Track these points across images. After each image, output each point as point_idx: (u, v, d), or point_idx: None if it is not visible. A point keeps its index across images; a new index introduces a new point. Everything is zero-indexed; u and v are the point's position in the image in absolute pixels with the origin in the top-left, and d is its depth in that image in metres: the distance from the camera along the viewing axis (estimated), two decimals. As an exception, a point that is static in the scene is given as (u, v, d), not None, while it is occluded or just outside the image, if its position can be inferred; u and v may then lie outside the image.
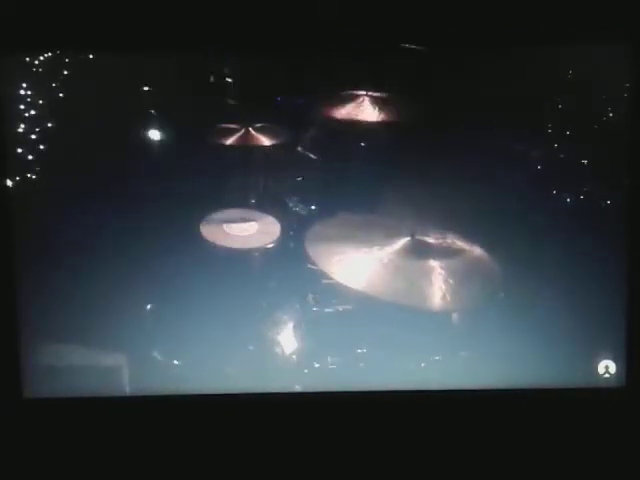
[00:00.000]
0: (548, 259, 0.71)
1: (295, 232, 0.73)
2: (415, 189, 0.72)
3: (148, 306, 0.72)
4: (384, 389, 0.72)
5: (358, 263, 0.72)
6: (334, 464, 0.71)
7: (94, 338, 0.71)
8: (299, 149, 0.72)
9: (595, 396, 0.72)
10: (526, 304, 0.72)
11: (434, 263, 0.72)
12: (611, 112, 0.70)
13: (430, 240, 0.72)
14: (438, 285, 0.71)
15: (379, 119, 0.71)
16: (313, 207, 0.73)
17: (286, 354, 0.72)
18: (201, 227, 0.71)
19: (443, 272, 0.71)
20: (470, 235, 0.72)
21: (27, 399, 0.71)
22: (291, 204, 0.73)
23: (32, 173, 0.70)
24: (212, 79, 0.70)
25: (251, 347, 0.72)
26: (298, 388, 0.72)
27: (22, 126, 0.69)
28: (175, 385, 0.72)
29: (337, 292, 0.72)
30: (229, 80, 0.70)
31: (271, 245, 0.73)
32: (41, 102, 0.69)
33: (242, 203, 0.73)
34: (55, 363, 0.71)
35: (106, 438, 0.71)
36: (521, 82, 0.70)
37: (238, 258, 0.72)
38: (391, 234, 0.72)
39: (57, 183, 0.70)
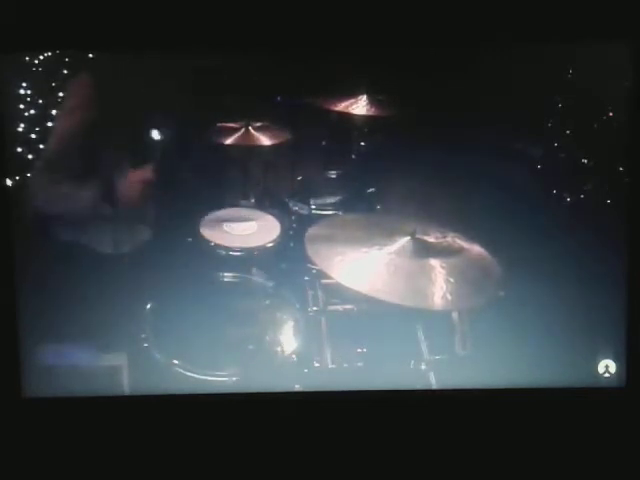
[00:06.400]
0: (548, 258, 0.71)
1: (295, 232, 0.73)
2: (415, 188, 0.72)
3: (148, 306, 0.72)
4: (384, 389, 0.72)
5: (358, 263, 0.72)
6: (334, 464, 0.71)
7: (94, 338, 0.71)
8: (299, 149, 0.72)
9: (595, 396, 0.72)
10: (526, 304, 0.72)
11: (434, 262, 0.71)
12: (611, 112, 0.70)
13: (430, 239, 0.73)
14: (438, 284, 0.71)
15: (379, 119, 0.71)
16: (313, 207, 0.73)
17: (286, 354, 0.72)
18: (201, 226, 0.72)
19: (443, 271, 0.71)
20: (470, 234, 0.72)
21: (27, 399, 0.71)
22: (291, 204, 0.73)
23: (32, 173, 0.70)
24: (212, 78, 0.69)
25: (251, 347, 0.72)
26: (298, 388, 0.72)
27: (22, 126, 0.69)
28: (175, 385, 0.72)
29: (337, 292, 0.72)
30: (229, 80, 0.70)
31: (271, 244, 0.73)
32: (41, 102, 0.69)
33: (242, 203, 0.73)
34: (55, 363, 0.71)
35: (106, 438, 0.71)
36: (521, 81, 0.70)
37: (238, 257, 0.72)
38: (391, 233, 0.72)
39: (57, 183, 0.70)
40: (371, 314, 0.72)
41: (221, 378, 0.72)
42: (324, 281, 0.72)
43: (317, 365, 0.72)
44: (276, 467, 0.71)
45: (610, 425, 0.71)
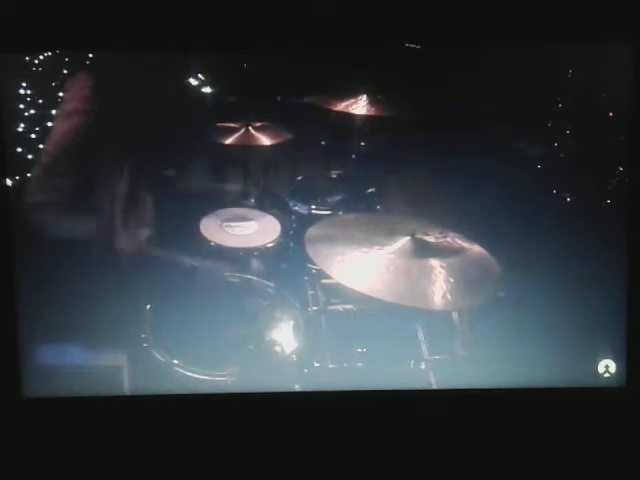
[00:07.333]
0: (548, 258, 0.71)
1: (295, 232, 0.73)
2: (415, 188, 0.72)
3: (148, 306, 0.72)
4: (384, 389, 0.72)
5: (358, 263, 0.72)
6: (334, 464, 0.71)
7: (94, 338, 0.71)
8: (299, 149, 0.72)
9: (595, 396, 0.72)
10: (526, 304, 0.72)
11: (434, 262, 0.71)
12: (611, 112, 0.70)
13: (430, 239, 0.73)
14: (438, 284, 0.71)
15: (379, 118, 0.71)
16: (313, 207, 0.73)
17: (286, 354, 0.72)
18: (201, 226, 0.72)
19: (443, 271, 0.71)
20: (470, 234, 0.72)
21: (27, 399, 0.71)
22: (291, 204, 0.73)
23: (32, 173, 0.69)
24: (212, 78, 0.69)
25: (251, 347, 0.72)
26: (298, 388, 0.72)
27: (22, 126, 0.69)
28: (175, 385, 0.72)
29: (337, 292, 0.72)
30: (229, 79, 0.70)
31: (271, 244, 0.73)
32: (41, 102, 0.69)
33: (242, 203, 0.73)
34: (55, 363, 0.71)
35: (106, 438, 0.71)
36: (522, 81, 0.70)
37: (238, 257, 0.73)
38: (391, 233, 0.72)
39: (57, 183, 0.70)
40: (371, 314, 0.72)
41: (221, 378, 0.72)
42: (324, 281, 0.72)
43: (317, 365, 0.72)
44: (276, 467, 0.71)
45: (610, 425, 0.71)
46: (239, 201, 0.73)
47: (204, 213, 0.72)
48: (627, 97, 0.70)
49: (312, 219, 0.73)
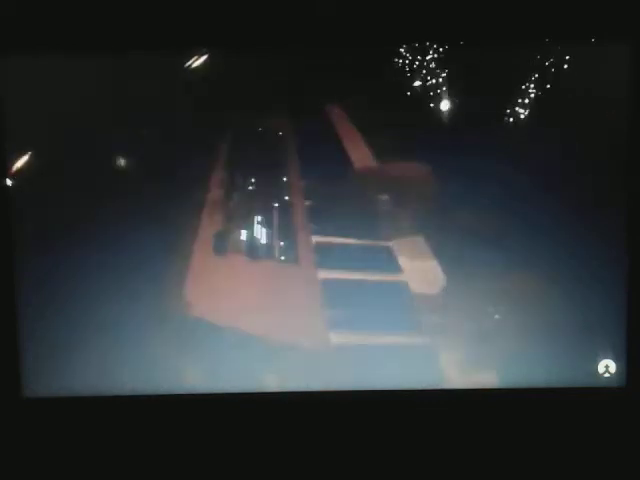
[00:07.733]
0: (548, 259, 0.71)
1: (295, 232, 0.73)
2: (415, 188, 0.72)
3: (148, 305, 0.72)
4: (384, 389, 0.72)
5: (358, 262, 0.72)
6: (334, 464, 0.71)
7: (94, 338, 0.71)
8: (299, 150, 0.72)
9: (595, 396, 0.72)
10: (526, 304, 0.72)
11: (434, 262, 0.71)
12: (611, 112, 0.70)
13: (430, 239, 0.72)
14: (439, 284, 0.71)
15: (379, 118, 0.71)
16: (313, 207, 0.73)
17: (287, 354, 0.72)
18: (200, 227, 0.72)
19: (443, 271, 0.71)
20: (470, 234, 0.72)
21: (27, 399, 0.71)
22: (291, 204, 0.73)
23: (32, 173, 0.70)
24: (211, 79, 0.70)
25: (252, 347, 0.72)
26: (299, 388, 0.72)
27: (22, 126, 0.69)
28: (175, 385, 0.72)
29: (337, 292, 0.72)
30: (230, 79, 0.70)
31: (271, 245, 0.73)
32: (42, 102, 0.69)
33: (242, 203, 0.73)
34: (55, 363, 0.71)
35: (106, 438, 0.71)
36: (522, 81, 0.70)
37: (238, 258, 0.72)
38: (391, 233, 0.72)
39: (57, 183, 0.70)
40: (371, 313, 0.72)
41: (220, 378, 0.72)
42: (324, 281, 0.72)
43: (317, 365, 0.72)
44: (276, 467, 0.71)
45: (610, 425, 0.71)
46: (239, 201, 0.73)
47: (204, 214, 0.72)
48: (627, 97, 0.70)
49: (312, 219, 0.73)
